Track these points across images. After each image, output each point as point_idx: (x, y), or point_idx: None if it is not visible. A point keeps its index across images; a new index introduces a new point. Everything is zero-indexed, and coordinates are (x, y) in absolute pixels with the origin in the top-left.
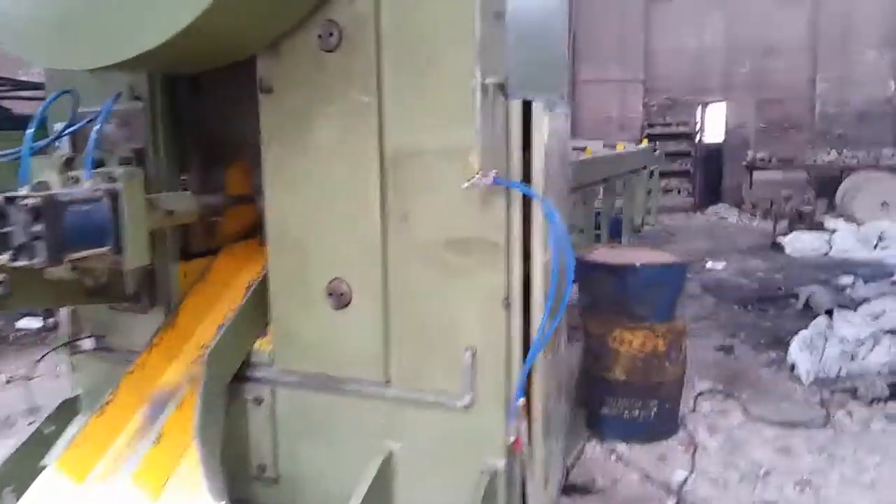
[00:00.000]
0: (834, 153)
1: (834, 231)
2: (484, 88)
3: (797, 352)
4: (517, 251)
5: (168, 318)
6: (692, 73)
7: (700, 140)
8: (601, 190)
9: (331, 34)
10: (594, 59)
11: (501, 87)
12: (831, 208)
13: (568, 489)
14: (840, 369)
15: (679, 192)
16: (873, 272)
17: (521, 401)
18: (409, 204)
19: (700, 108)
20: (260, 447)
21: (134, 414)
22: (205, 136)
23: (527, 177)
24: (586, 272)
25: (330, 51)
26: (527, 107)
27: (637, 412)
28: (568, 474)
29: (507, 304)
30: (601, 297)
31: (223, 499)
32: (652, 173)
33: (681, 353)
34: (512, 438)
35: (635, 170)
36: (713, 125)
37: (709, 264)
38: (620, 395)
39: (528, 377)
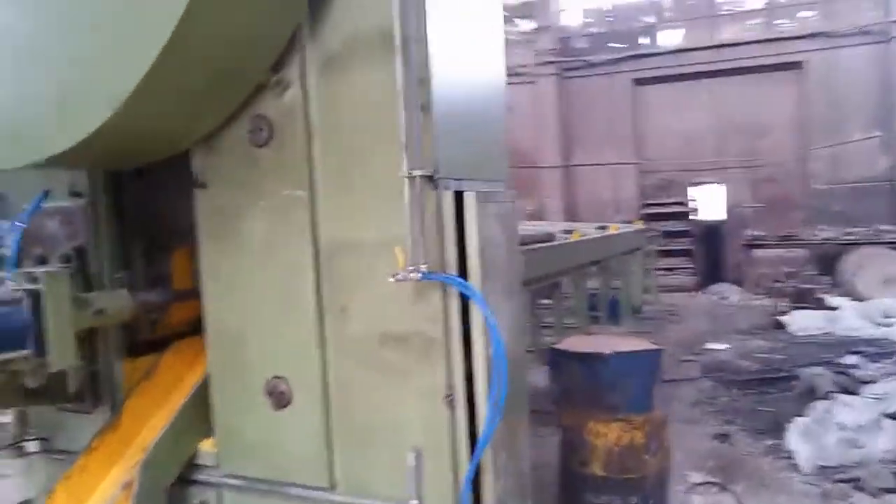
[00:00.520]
0: (831, 230)
1: (837, 308)
2: (411, 181)
3: (795, 439)
4: (457, 345)
5: (110, 419)
6: (685, 154)
7: (698, 219)
8: (592, 272)
9: (261, 129)
10: (587, 143)
11: (430, 179)
12: (833, 285)
13: None
14: (842, 457)
15: (681, 271)
16: (879, 350)
17: None
18: (345, 298)
19: (695, 187)
20: None
21: None
22: (150, 223)
23: (464, 268)
24: (557, 361)
25: (261, 146)
26: (459, 198)
27: None
28: None
29: (450, 402)
30: (574, 387)
31: None
32: (648, 253)
33: (662, 445)
34: None
35: (630, 250)
36: (710, 204)
37: (709, 345)
38: (599, 491)
39: (478, 478)
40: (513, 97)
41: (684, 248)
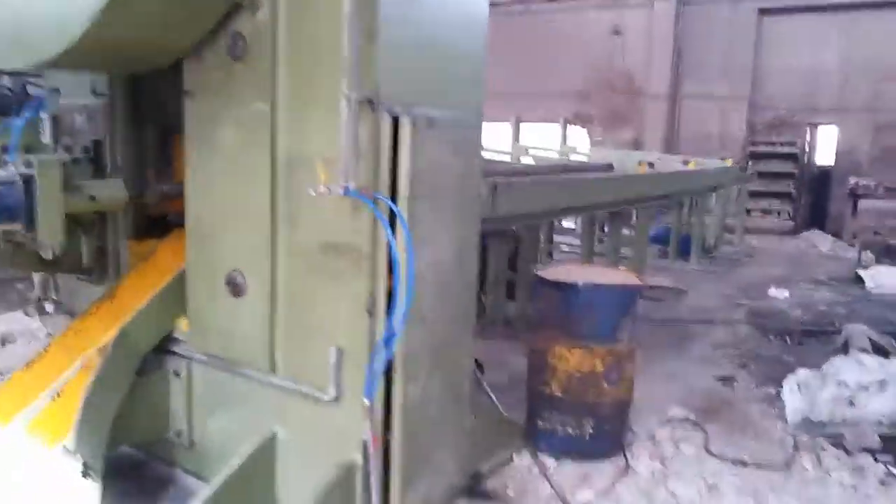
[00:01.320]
0: None
1: None
2: (349, 103)
3: (790, 390)
4: (382, 259)
5: (109, 290)
6: (803, 92)
7: (807, 162)
8: (664, 206)
9: (237, 44)
10: (699, 73)
11: (370, 102)
12: None
13: (477, 493)
14: (833, 414)
15: (780, 214)
16: None
17: (368, 402)
18: (295, 207)
19: (809, 129)
20: (178, 415)
21: (61, 373)
22: (163, 120)
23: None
24: (537, 288)
25: (237, 60)
26: (397, 122)
27: (571, 429)
28: (482, 480)
29: (371, 310)
30: (547, 314)
31: (81, 454)
32: (740, 192)
33: (623, 377)
34: (368, 436)
35: (712, 188)
36: (822, 148)
37: (771, 291)
38: (555, 410)
39: (390, 381)
40: (626, 20)
41: (787, 190)
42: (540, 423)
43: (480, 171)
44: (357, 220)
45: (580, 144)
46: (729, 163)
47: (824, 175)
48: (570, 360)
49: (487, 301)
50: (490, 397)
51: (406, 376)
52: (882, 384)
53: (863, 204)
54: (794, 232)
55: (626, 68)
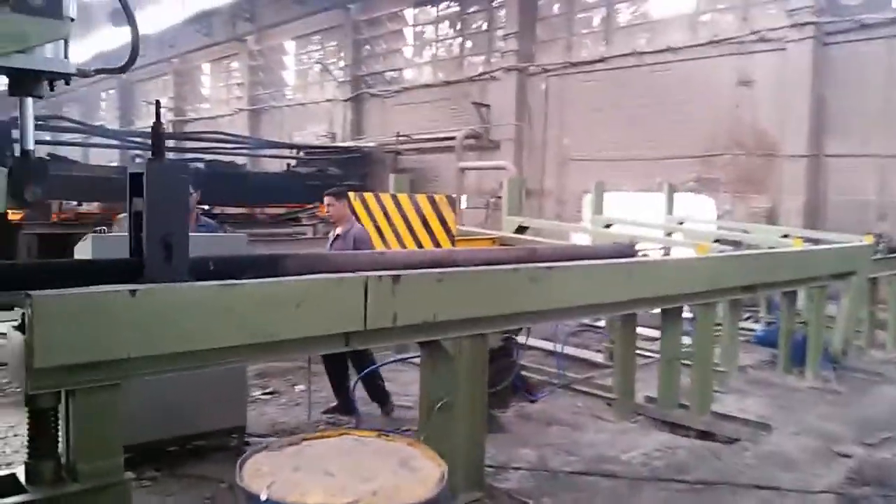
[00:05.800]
0: None
1: None
2: None
3: None
4: None
5: None
6: None
7: None
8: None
9: None
10: (846, 127)
11: None
12: None
13: None
14: None
15: None
16: None
17: None
18: None
19: None
20: None
21: None
22: None
23: None
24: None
25: None
26: None
27: None
28: None
29: None
30: None
31: None
32: (876, 280)
33: None
34: None
35: (836, 275)
36: None
37: None
38: None
39: None
40: (755, 67)
41: None
42: None
43: None
44: None
45: (705, 215)
46: (869, 240)
47: None
48: None
49: None
50: None
51: None
52: None
53: None
54: None
55: (758, 124)
